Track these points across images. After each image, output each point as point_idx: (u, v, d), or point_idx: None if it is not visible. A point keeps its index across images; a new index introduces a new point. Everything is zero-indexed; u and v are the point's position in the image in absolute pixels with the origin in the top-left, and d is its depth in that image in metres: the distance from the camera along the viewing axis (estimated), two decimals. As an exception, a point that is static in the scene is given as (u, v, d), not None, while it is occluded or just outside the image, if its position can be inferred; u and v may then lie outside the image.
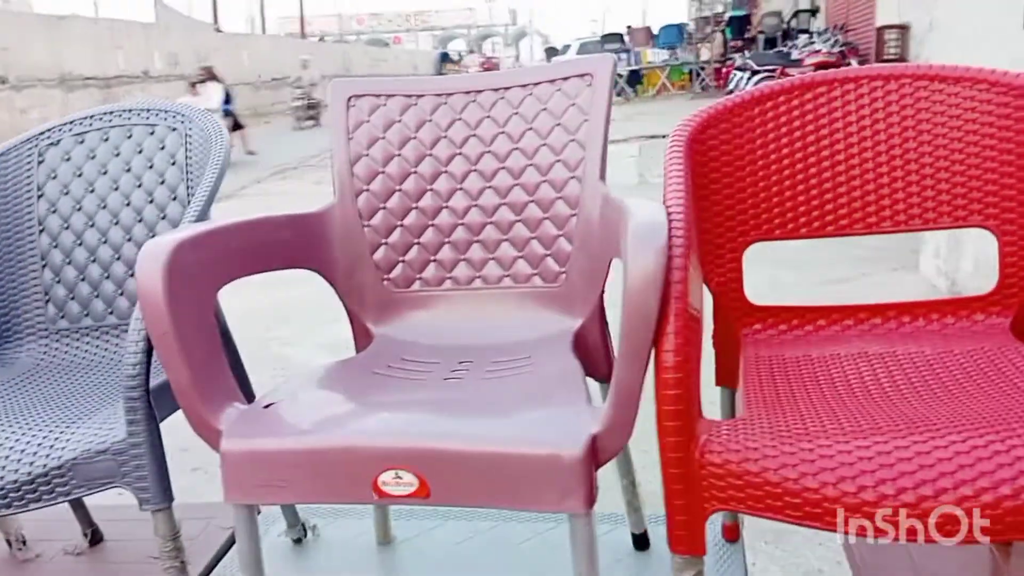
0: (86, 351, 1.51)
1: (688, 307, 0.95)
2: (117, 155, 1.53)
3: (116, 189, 1.53)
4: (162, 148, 1.51)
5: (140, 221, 1.51)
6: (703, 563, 0.97)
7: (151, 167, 1.51)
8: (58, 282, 1.53)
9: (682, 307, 0.93)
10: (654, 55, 19.01)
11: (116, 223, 1.52)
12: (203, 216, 1.26)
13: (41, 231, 1.53)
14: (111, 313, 1.52)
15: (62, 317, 1.53)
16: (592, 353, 1.32)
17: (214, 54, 18.29)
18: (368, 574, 1.58)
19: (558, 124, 1.39)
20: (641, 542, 1.54)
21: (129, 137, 1.54)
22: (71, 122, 1.55)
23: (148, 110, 1.54)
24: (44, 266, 1.53)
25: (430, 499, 0.99)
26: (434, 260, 1.45)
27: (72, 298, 1.53)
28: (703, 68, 18.42)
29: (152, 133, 1.52)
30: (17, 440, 1.13)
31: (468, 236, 1.44)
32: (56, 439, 1.12)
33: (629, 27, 20.94)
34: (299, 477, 1.02)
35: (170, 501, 1.14)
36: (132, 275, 1.50)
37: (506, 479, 0.96)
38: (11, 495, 1.10)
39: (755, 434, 0.95)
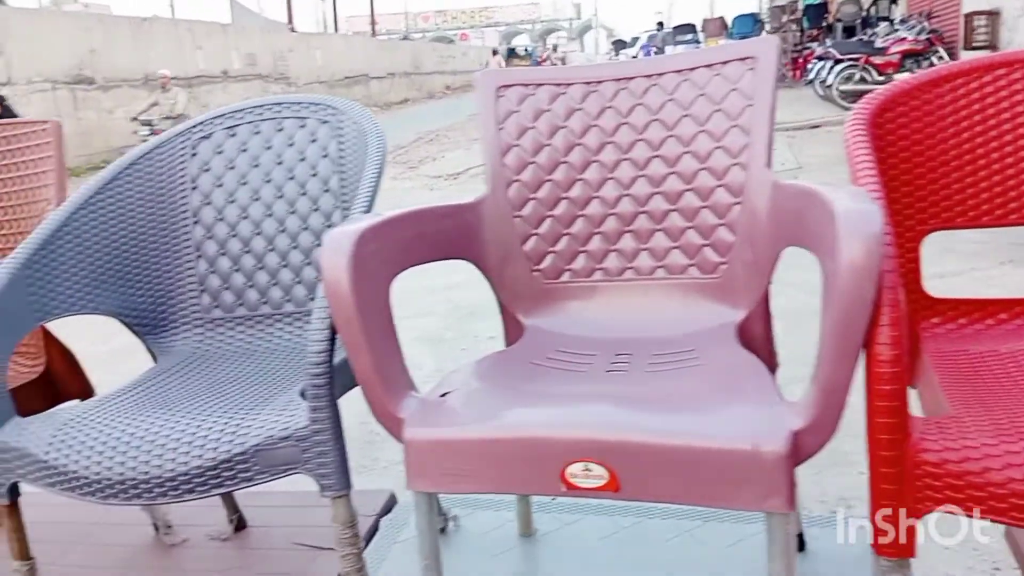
0: (240, 340, 1.54)
1: (900, 298, 0.91)
2: (268, 148, 1.56)
3: (268, 181, 1.55)
4: (313, 141, 1.53)
5: (293, 213, 1.53)
6: (910, 566, 0.93)
7: (303, 160, 1.54)
8: (213, 272, 1.56)
9: (895, 298, 0.89)
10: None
11: (270, 215, 1.55)
12: (370, 208, 1.27)
13: (195, 222, 1.57)
14: (265, 303, 1.55)
15: (216, 307, 1.57)
16: (755, 346, 1.28)
17: (289, 54, 18.70)
18: (508, 566, 1.58)
19: (718, 110, 1.35)
20: (798, 543, 1.50)
21: (280, 130, 1.56)
22: (221, 116, 1.59)
23: (299, 103, 1.56)
24: (199, 257, 1.57)
25: (620, 493, 0.97)
26: (584, 251, 1.44)
27: (226, 288, 1.56)
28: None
29: (303, 126, 1.55)
30: (199, 426, 1.15)
31: (619, 226, 1.42)
32: (238, 425, 1.14)
33: (705, 19, 20.60)
34: (484, 467, 1.02)
35: (349, 488, 1.15)
36: (285, 266, 1.54)
37: (702, 475, 0.94)
38: (195, 480, 1.12)
39: (971, 432, 0.91)
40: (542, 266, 1.44)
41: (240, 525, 1.74)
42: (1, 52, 11.46)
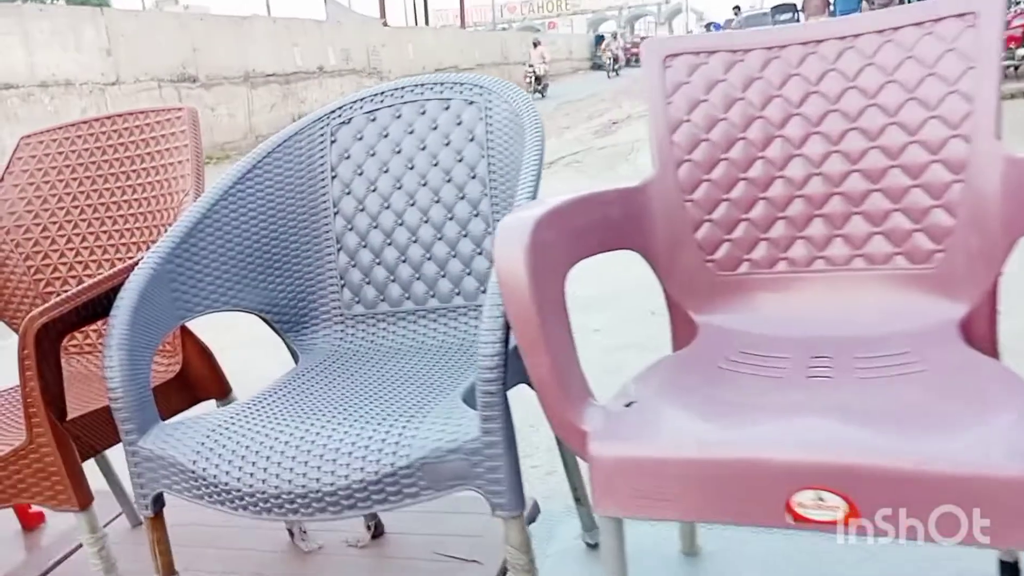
0: (382, 338, 1.45)
1: None
2: (411, 132, 1.46)
3: (411, 168, 1.45)
4: (458, 123, 1.42)
5: (437, 202, 1.43)
6: None
7: (447, 144, 1.42)
8: (353, 266, 1.47)
9: None
10: (828, 24, 17.79)
11: (412, 204, 1.44)
12: (535, 195, 1.14)
13: (335, 213, 1.48)
14: (408, 299, 1.45)
15: (357, 303, 1.48)
16: (975, 346, 1.10)
17: (381, 48, 18.93)
18: (669, 587, 1.44)
19: (931, 74, 1.17)
20: (1011, 571, 1.30)
21: (422, 113, 1.45)
22: (361, 99, 1.49)
23: (441, 83, 1.45)
24: (339, 250, 1.48)
25: (860, 530, 0.82)
26: (765, 238, 1.28)
27: (367, 283, 1.47)
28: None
29: (447, 108, 1.43)
30: (358, 436, 1.05)
31: (807, 210, 1.26)
32: (400, 435, 1.03)
33: None
34: (689, 492, 0.88)
35: (523, 507, 1.03)
36: (429, 258, 1.43)
37: (970, 506, 0.78)
38: (356, 495, 1.02)
39: None
40: (716, 256, 1.28)
41: (377, 532, 1.65)
42: (110, 53, 11.96)
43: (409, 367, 1.32)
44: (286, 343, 1.46)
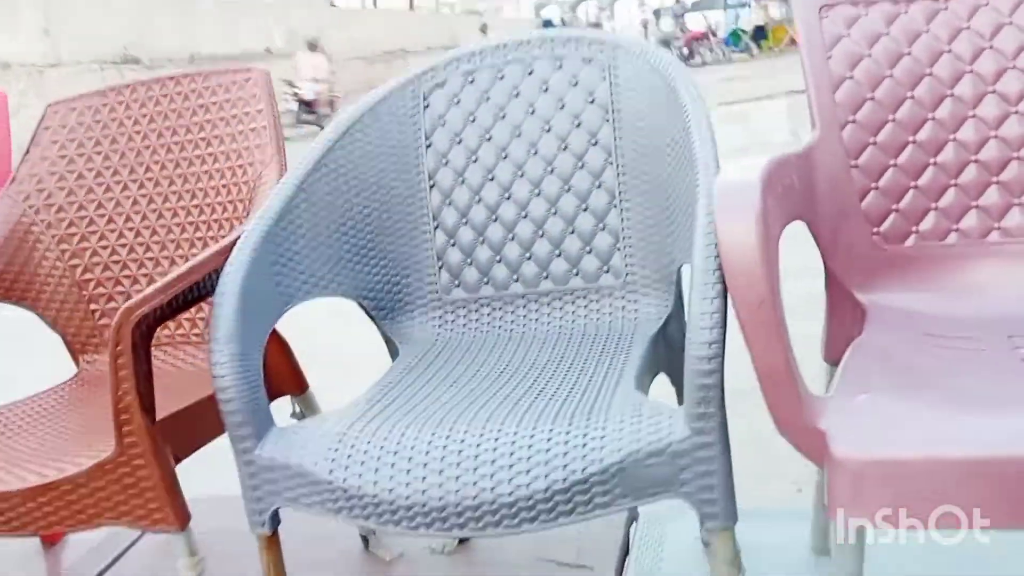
0: (489, 325, 1.29)
1: None
2: (516, 96, 1.30)
3: (519, 136, 1.29)
4: (574, 84, 1.27)
5: (551, 172, 1.27)
6: None
7: (562, 107, 1.27)
8: (452, 246, 1.31)
9: None
10: (779, 9, 18.05)
11: (521, 175, 1.29)
12: (718, 165, 1.00)
13: (431, 187, 1.31)
14: (516, 281, 1.30)
15: (457, 286, 1.32)
16: None
17: (328, 29, 18.45)
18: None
19: None
20: None
21: (530, 74, 1.30)
22: (457, 59, 1.33)
23: (552, 40, 1.29)
24: (436, 228, 1.31)
25: None
26: (935, 208, 1.16)
27: (469, 264, 1.31)
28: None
29: (559, 67, 1.28)
30: (532, 438, 0.90)
31: (983, 176, 1.14)
32: (586, 436, 0.89)
33: None
34: (985, 496, 0.75)
35: (736, 519, 0.90)
36: (542, 236, 1.28)
37: None
38: (539, 507, 0.88)
39: None
40: (883, 228, 1.17)
41: (464, 536, 1.50)
42: (48, 33, 11.35)
43: (534, 358, 1.17)
44: (382, 333, 1.29)
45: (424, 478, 0.90)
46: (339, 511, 0.95)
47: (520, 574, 1.43)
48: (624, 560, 1.42)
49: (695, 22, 20.13)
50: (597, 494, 0.88)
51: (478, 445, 0.91)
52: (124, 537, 1.66)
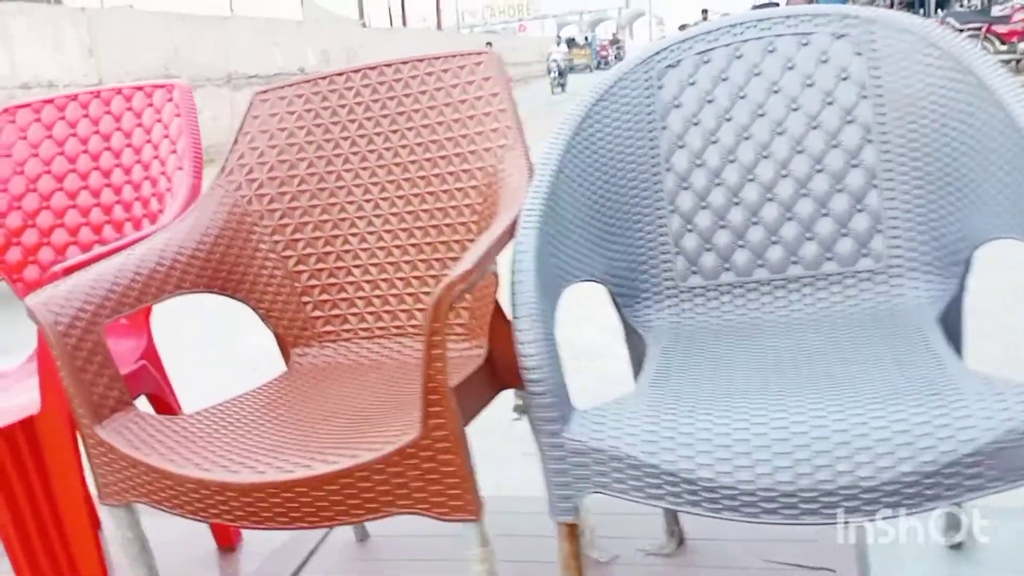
0: (732, 313, 1.25)
1: None
2: (757, 74, 1.26)
3: (761, 116, 1.25)
4: (824, 61, 1.23)
5: (801, 152, 1.23)
6: None
7: (810, 85, 1.23)
8: (689, 230, 1.27)
9: None
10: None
11: (766, 156, 1.25)
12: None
13: (667, 169, 1.27)
14: (761, 266, 1.25)
15: (694, 272, 1.27)
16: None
17: (360, 49, 18.61)
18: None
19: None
20: None
21: (771, 51, 1.26)
22: (691, 39, 1.29)
23: (796, 16, 1.25)
24: (672, 211, 1.27)
25: None
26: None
27: (708, 249, 1.27)
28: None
29: (806, 43, 1.24)
30: (885, 419, 0.85)
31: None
32: (947, 416, 0.84)
33: None
34: None
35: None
36: (790, 218, 1.24)
37: None
38: (904, 491, 0.82)
39: None
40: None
41: (683, 538, 1.45)
42: (92, 53, 11.50)
43: (803, 343, 1.12)
44: (624, 320, 1.25)
45: (770, 462, 0.85)
46: (661, 497, 0.90)
47: (748, 577, 1.37)
48: (865, 561, 1.35)
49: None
50: (967, 476, 0.82)
51: (824, 427, 0.86)
52: (305, 542, 1.62)
